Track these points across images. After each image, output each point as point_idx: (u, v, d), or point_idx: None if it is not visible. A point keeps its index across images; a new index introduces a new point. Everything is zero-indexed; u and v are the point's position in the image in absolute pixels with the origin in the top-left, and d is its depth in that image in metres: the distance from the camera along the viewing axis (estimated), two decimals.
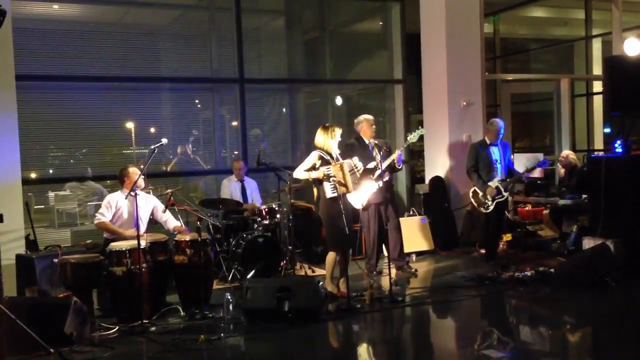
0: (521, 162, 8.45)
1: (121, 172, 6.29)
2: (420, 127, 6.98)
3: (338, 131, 6.09)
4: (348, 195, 6.04)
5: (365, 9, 10.31)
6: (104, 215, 6.11)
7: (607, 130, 11.43)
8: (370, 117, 6.98)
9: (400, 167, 6.89)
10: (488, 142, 7.52)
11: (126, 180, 6.17)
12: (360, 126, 6.96)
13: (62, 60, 7.85)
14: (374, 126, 6.95)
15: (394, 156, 6.65)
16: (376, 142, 6.68)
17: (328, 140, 6.05)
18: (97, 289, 5.86)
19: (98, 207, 6.50)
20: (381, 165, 6.35)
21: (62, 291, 5.65)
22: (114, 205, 6.15)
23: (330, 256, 6.17)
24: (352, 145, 6.83)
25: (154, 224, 6.52)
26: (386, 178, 6.67)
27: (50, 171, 8.07)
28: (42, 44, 7.79)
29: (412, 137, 6.81)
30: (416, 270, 7.19)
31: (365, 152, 6.65)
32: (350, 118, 10.18)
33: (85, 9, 8.56)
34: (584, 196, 7.63)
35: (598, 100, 11.43)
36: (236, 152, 8.76)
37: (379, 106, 10.07)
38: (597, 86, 11.44)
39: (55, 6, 8.19)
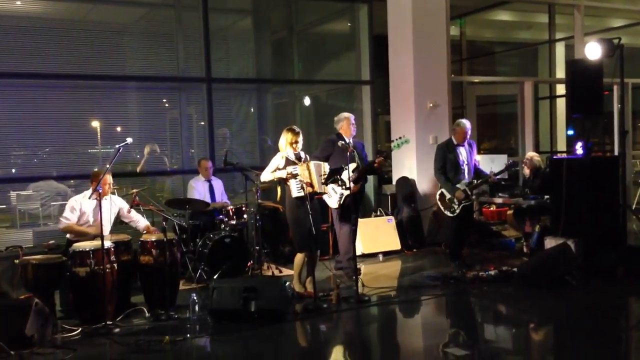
0: (487, 163, 8.54)
1: (93, 174, 6.22)
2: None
3: (300, 137, 6.11)
4: (325, 196, 6.06)
5: (333, 10, 10.33)
6: (69, 219, 6.05)
7: (570, 132, 11.68)
8: (350, 115, 6.94)
9: (377, 165, 6.74)
10: (455, 142, 7.38)
11: (94, 182, 6.09)
12: (340, 124, 6.92)
13: (25, 57, 7.71)
14: (353, 125, 6.90)
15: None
16: (350, 142, 6.73)
17: (289, 143, 6.09)
18: (60, 290, 5.77)
19: (61, 207, 6.40)
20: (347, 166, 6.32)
21: (23, 293, 5.52)
22: (78, 208, 6.07)
23: (299, 257, 6.19)
24: (332, 142, 6.78)
25: (120, 225, 6.44)
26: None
27: (13, 170, 7.91)
28: (5, 41, 7.64)
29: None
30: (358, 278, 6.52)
31: (343, 151, 6.56)
32: (319, 118, 10.25)
33: (49, 6, 8.44)
34: (547, 197, 7.77)
35: (561, 103, 11.66)
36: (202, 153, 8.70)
37: (347, 107, 10.05)
38: (560, 89, 11.68)
39: (18, 2, 8.03)
